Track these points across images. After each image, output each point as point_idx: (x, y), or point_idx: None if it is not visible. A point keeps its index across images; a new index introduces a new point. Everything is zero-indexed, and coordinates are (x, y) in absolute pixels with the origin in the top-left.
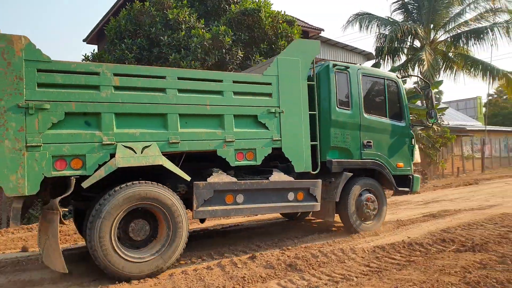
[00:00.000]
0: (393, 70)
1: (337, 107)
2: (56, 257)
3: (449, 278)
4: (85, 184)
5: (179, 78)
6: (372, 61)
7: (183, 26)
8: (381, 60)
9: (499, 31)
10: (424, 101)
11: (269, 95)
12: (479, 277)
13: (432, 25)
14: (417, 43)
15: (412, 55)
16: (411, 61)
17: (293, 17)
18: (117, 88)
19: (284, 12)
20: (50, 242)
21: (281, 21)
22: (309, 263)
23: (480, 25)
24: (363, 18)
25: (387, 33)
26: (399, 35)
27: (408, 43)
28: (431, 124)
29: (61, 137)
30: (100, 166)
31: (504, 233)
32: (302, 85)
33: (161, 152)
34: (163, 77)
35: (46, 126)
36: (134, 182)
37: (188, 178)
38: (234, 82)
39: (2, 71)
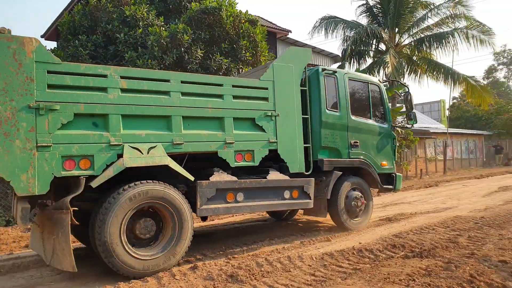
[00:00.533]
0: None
1: (327, 109)
2: (65, 256)
3: (393, 287)
4: (94, 184)
5: (182, 82)
6: (339, 63)
7: (140, 23)
8: (346, 63)
9: (459, 36)
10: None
11: (266, 99)
12: (422, 285)
13: (397, 29)
14: (382, 46)
15: (378, 58)
16: (376, 64)
17: (256, 16)
18: (124, 90)
19: (247, 11)
20: (59, 241)
21: (243, 21)
22: (251, 273)
23: (441, 30)
24: (329, 22)
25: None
26: (363, 37)
27: (374, 46)
28: (411, 126)
29: (70, 137)
30: (108, 166)
31: (454, 237)
32: (296, 90)
33: (166, 153)
34: (167, 81)
35: (56, 126)
36: (142, 181)
37: (192, 178)
38: (233, 86)
39: (14, 72)
